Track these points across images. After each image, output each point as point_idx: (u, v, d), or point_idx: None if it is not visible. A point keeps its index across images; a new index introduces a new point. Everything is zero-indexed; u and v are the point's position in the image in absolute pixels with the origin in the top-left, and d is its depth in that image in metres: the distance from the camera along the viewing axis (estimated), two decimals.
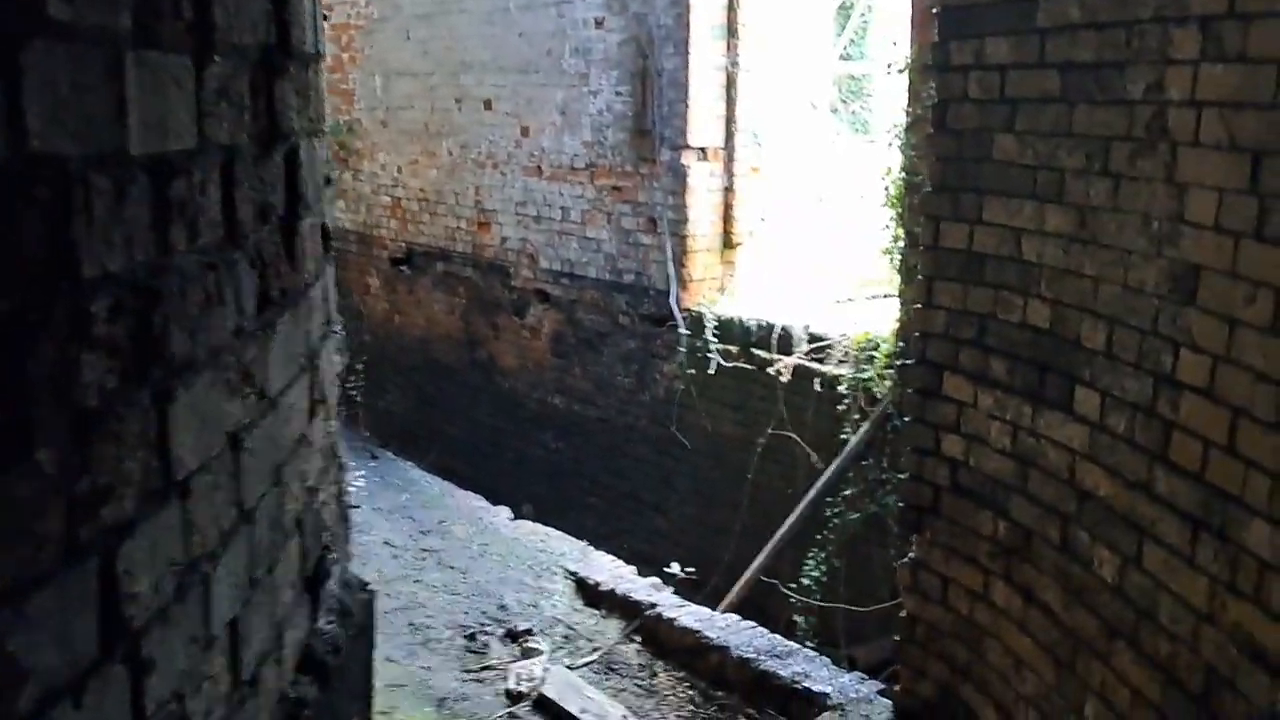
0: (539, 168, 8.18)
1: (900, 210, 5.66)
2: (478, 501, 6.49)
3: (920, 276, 3.59)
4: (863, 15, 18.87)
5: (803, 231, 8.51)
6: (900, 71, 5.67)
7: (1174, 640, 2.45)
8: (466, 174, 8.95)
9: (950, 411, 3.48)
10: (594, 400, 7.94)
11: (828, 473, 5.94)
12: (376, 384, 10.61)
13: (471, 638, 4.86)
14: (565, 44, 7.78)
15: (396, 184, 9.91)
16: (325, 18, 10.49)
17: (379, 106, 10.00)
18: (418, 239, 9.71)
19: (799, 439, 6.32)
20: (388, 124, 9.92)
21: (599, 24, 7.48)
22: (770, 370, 6.51)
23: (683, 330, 7.07)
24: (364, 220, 10.45)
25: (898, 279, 5.69)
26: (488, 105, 8.62)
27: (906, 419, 3.84)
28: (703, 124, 6.97)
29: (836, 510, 5.94)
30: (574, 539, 5.96)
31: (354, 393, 10.88)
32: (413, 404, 10.07)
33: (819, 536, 6.01)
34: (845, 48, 18.02)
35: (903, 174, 5.55)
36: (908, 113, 5.52)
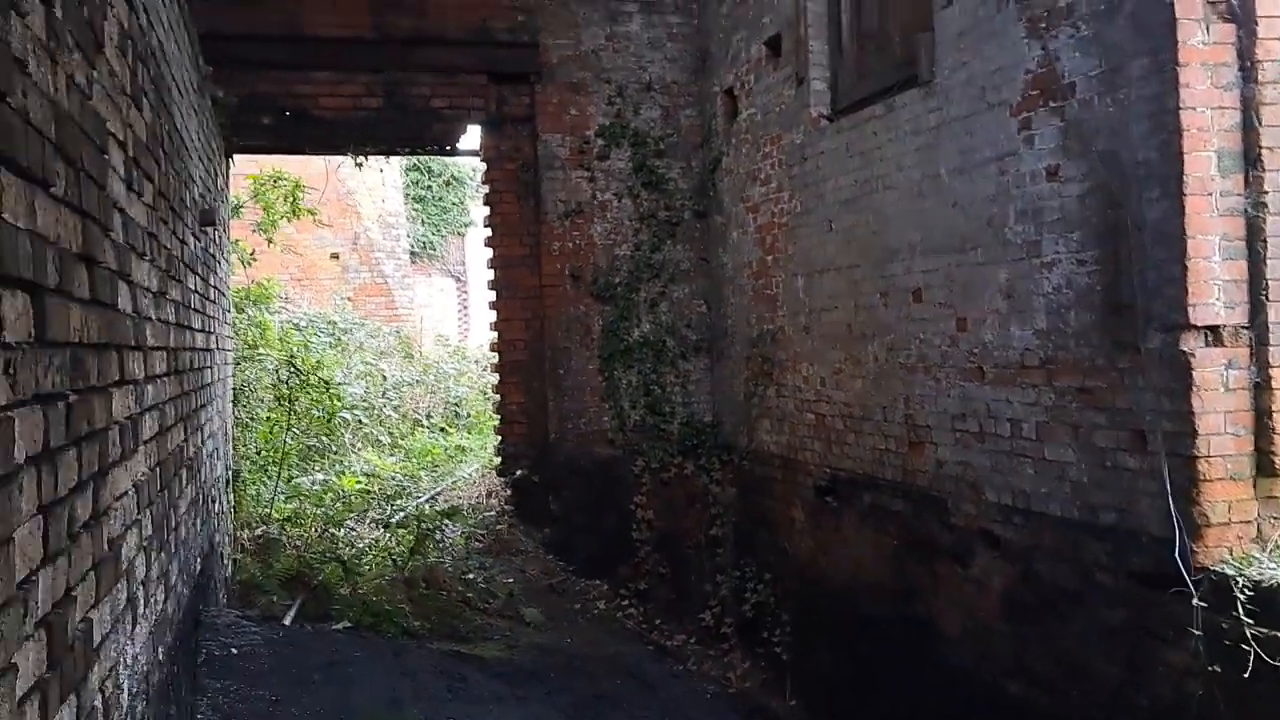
0: (980, 369, 6.21)
1: None
2: None
3: None
4: None
5: None
6: None
7: None
8: (894, 382, 7.16)
9: None
10: (1064, 692, 5.56)
11: None
12: (803, 640, 8.80)
13: None
14: (1009, 207, 5.90)
15: (820, 398, 8.32)
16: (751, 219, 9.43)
17: (801, 310, 8.59)
18: (843, 463, 7.97)
19: None
20: (810, 330, 8.45)
21: (1052, 174, 5.55)
22: None
23: (1196, 601, 4.63)
24: (788, 442, 8.92)
25: None
26: (916, 296, 6.87)
27: None
28: (1210, 292, 4.71)
29: None
30: None
31: (778, 648, 9.13)
32: (842, 668, 8.09)
33: None
34: None
35: None
36: None
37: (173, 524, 4.05)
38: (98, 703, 2.41)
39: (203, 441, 5.64)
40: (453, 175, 24.20)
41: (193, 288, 5.32)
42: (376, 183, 18.97)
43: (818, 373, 8.29)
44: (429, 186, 24.14)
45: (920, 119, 6.73)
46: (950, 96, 6.40)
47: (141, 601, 3.16)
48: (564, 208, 10.12)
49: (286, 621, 7.21)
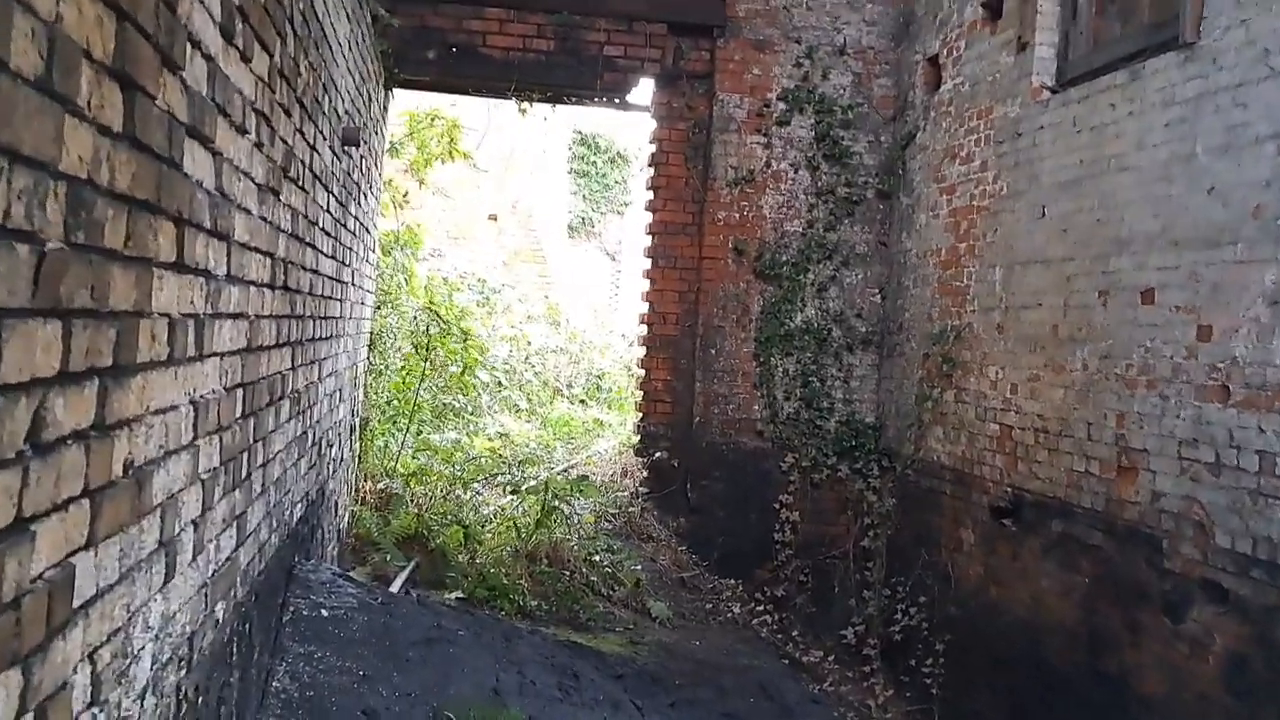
0: (1223, 387, 5.16)
1: None
2: None
3: None
4: None
5: None
6: None
7: None
8: (1106, 395, 6.14)
9: None
10: None
11: None
12: (961, 675, 7.82)
13: None
14: None
15: (1008, 407, 7.32)
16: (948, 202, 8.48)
17: (996, 306, 7.59)
18: (1029, 484, 6.97)
19: None
20: (1004, 329, 7.45)
21: None
22: None
23: None
24: (963, 454, 7.94)
25: None
26: (1147, 297, 5.83)
27: None
28: None
29: None
30: None
31: (929, 681, 8.16)
32: (1004, 715, 7.10)
33: None
34: None
35: None
36: None
37: (258, 460, 3.42)
38: (75, 678, 1.74)
39: (320, 377, 5.05)
40: (617, 153, 23.72)
41: (322, 205, 4.73)
42: (541, 149, 18.54)
43: (1008, 378, 7.29)
44: (593, 162, 23.71)
45: (1175, 89, 5.69)
46: (1219, 61, 5.35)
47: (188, 547, 2.52)
48: (734, 174, 9.32)
49: (397, 583, 6.65)
